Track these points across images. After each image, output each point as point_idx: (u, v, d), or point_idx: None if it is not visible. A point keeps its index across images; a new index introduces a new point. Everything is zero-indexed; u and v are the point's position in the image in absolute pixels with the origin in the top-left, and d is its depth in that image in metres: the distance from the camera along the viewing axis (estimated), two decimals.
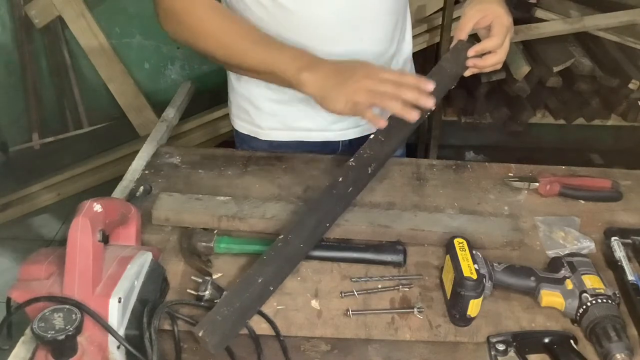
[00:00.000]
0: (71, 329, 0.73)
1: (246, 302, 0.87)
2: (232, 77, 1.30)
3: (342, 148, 1.34)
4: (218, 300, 0.88)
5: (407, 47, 1.33)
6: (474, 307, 0.89)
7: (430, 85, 0.99)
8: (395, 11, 1.22)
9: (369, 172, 1.03)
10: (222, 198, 1.10)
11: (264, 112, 1.28)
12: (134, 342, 0.80)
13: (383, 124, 1.00)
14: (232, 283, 0.96)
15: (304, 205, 1.07)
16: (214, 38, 1.08)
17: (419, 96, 0.98)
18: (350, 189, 1.01)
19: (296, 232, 0.96)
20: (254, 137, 1.31)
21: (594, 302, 0.88)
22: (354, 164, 1.03)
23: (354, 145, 1.34)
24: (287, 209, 1.08)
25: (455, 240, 0.95)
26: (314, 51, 1.16)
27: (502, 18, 1.11)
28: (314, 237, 0.97)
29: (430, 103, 0.98)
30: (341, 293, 0.96)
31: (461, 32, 1.13)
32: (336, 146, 1.33)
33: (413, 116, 0.97)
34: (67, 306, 0.76)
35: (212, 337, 0.82)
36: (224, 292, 0.91)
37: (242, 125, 1.34)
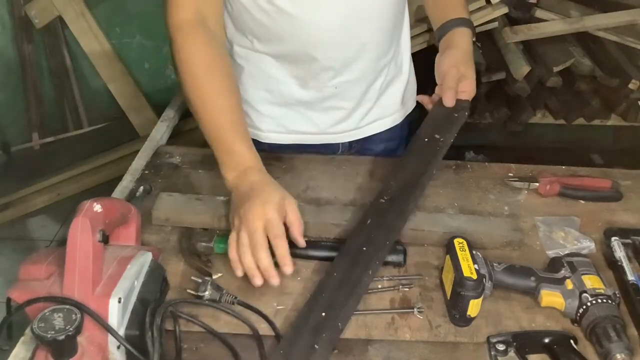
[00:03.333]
0: (71, 329, 0.73)
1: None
2: None
3: (341, 150, 1.34)
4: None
5: (406, 48, 1.33)
6: (474, 307, 0.89)
7: (288, 269, 0.90)
8: (395, 14, 1.22)
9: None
10: (222, 198, 1.10)
11: (264, 114, 1.28)
12: (134, 342, 0.80)
13: (239, 273, 0.91)
14: (231, 284, 0.96)
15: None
16: (199, 90, 1.10)
17: (266, 270, 0.89)
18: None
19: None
20: (253, 139, 1.30)
21: (594, 302, 0.88)
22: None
23: (353, 147, 1.34)
24: None
25: (455, 240, 0.95)
26: (315, 55, 1.15)
27: (473, 91, 1.19)
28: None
29: (274, 281, 0.89)
30: None
31: (450, 99, 1.17)
32: (336, 148, 1.33)
33: (255, 282, 0.90)
34: (67, 306, 0.76)
35: None
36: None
37: None
